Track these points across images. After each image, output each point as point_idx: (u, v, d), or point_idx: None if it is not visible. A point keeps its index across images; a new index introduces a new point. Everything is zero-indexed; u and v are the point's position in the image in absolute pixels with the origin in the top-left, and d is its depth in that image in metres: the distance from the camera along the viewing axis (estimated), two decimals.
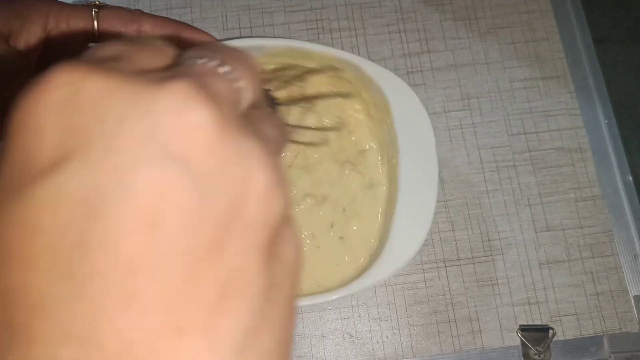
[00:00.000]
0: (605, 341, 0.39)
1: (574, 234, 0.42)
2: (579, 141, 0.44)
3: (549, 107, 0.45)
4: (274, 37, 0.42)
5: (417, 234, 0.35)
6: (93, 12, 0.34)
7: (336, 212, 0.40)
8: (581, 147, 0.44)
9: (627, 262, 0.41)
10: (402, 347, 0.39)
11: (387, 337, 0.39)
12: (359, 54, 0.46)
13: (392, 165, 0.38)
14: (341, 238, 0.39)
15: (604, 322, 0.40)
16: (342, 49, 0.46)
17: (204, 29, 0.46)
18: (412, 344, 0.39)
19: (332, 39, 0.46)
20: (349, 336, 0.39)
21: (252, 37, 0.38)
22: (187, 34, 0.36)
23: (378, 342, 0.39)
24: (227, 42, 0.37)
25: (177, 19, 0.46)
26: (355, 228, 0.39)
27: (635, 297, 0.40)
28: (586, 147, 0.44)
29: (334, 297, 0.35)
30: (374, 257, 0.37)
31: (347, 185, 0.40)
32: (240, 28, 0.47)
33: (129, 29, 0.34)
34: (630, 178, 0.44)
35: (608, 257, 0.41)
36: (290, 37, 0.46)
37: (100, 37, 0.34)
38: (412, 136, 0.37)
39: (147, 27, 0.35)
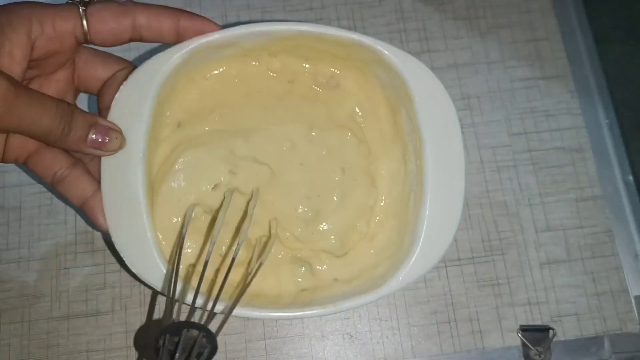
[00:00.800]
0: (606, 341, 0.39)
1: (575, 234, 0.42)
2: (579, 141, 0.44)
3: (550, 106, 0.45)
4: (282, 20, 0.40)
5: (446, 231, 0.33)
6: (80, 10, 0.30)
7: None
8: (582, 147, 0.44)
9: (628, 262, 0.41)
10: (402, 348, 0.39)
11: (387, 337, 0.39)
12: None
13: (417, 156, 0.36)
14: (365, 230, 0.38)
15: (605, 323, 0.40)
16: None
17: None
18: (412, 344, 0.39)
19: None
20: (349, 336, 0.39)
21: (258, 21, 0.35)
22: (185, 22, 0.33)
23: (378, 343, 0.39)
24: (232, 28, 0.35)
25: None
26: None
27: (636, 297, 0.40)
28: (587, 147, 0.44)
29: (371, 298, 0.33)
30: (398, 256, 0.35)
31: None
32: None
33: (122, 23, 0.31)
34: (631, 178, 0.44)
35: (609, 257, 0.41)
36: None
37: (92, 35, 0.31)
38: (436, 129, 0.34)
39: (143, 20, 0.32)
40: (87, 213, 0.33)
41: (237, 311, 0.32)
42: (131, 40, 0.32)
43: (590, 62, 0.47)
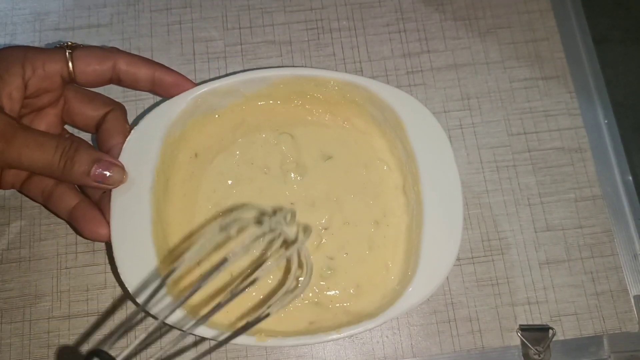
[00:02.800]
0: (605, 341, 0.39)
1: (574, 234, 0.42)
2: (578, 141, 0.44)
3: (549, 107, 0.45)
4: (279, 66, 0.41)
5: (447, 253, 0.35)
6: (67, 54, 0.34)
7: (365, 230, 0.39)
8: (581, 147, 0.44)
9: (627, 262, 0.41)
10: (402, 347, 0.39)
11: (387, 337, 0.39)
12: (359, 54, 0.46)
13: (414, 183, 0.37)
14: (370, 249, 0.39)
15: (604, 322, 0.40)
16: (342, 49, 0.46)
17: (203, 29, 0.46)
18: (412, 344, 0.39)
19: (332, 38, 0.46)
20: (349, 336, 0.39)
21: (255, 69, 0.39)
22: (160, 75, 0.37)
23: (378, 342, 0.39)
24: (230, 77, 0.37)
25: (177, 19, 0.47)
26: (367, 252, 0.39)
27: (635, 297, 0.40)
28: (586, 147, 0.44)
29: (374, 324, 0.34)
30: (404, 282, 0.36)
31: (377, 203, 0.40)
32: (240, 28, 0.47)
33: (104, 65, 0.35)
34: (630, 178, 0.44)
35: (608, 257, 0.41)
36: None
37: (77, 76, 0.35)
38: (429, 152, 0.37)
39: (122, 65, 0.35)
40: (73, 222, 0.35)
41: (239, 339, 0.33)
42: (111, 81, 0.36)
43: (589, 62, 0.47)
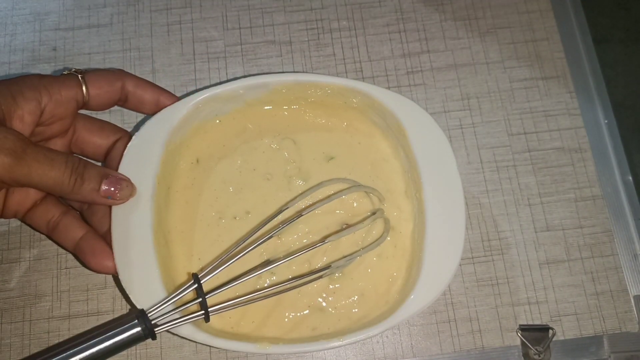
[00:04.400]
0: (605, 341, 0.39)
1: (574, 234, 0.42)
2: (578, 141, 0.44)
3: (549, 107, 0.45)
4: (279, 72, 0.41)
5: (448, 263, 0.35)
6: (80, 78, 0.34)
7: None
8: (581, 147, 0.44)
9: (627, 262, 0.41)
10: (402, 347, 0.39)
11: (387, 336, 0.39)
12: (359, 54, 0.46)
13: (417, 191, 0.37)
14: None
15: (604, 322, 0.40)
16: (342, 49, 0.46)
17: (203, 29, 0.46)
18: (412, 344, 0.39)
19: (332, 38, 0.46)
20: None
21: (257, 74, 0.38)
22: (164, 99, 0.37)
23: (378, 342, 0.39)
24: (231, 82, 0.37)
25: (177, 19, 0.47)
26: (375, 259, 0.38)
27: (635, 297, 0.40)
28: (586, 147, 0.44)
29: (375, 332, 0.34)
30: (405, 289, 0.36)
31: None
32: (240, 28, 0.47)
33: (114, 87, 0.35)
34: (630, 178, 0.44)
35: (608, 257, 0.41)
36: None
37: (90, 99, 0.35)
38: (432, 161, 0.37)
39: (130, 86, 0.36)
40: (79, 254, 0.35)
41: (241, 346, 0.33)
42: (119, 101, 0.36)
43: (589, 62, 0.47)
